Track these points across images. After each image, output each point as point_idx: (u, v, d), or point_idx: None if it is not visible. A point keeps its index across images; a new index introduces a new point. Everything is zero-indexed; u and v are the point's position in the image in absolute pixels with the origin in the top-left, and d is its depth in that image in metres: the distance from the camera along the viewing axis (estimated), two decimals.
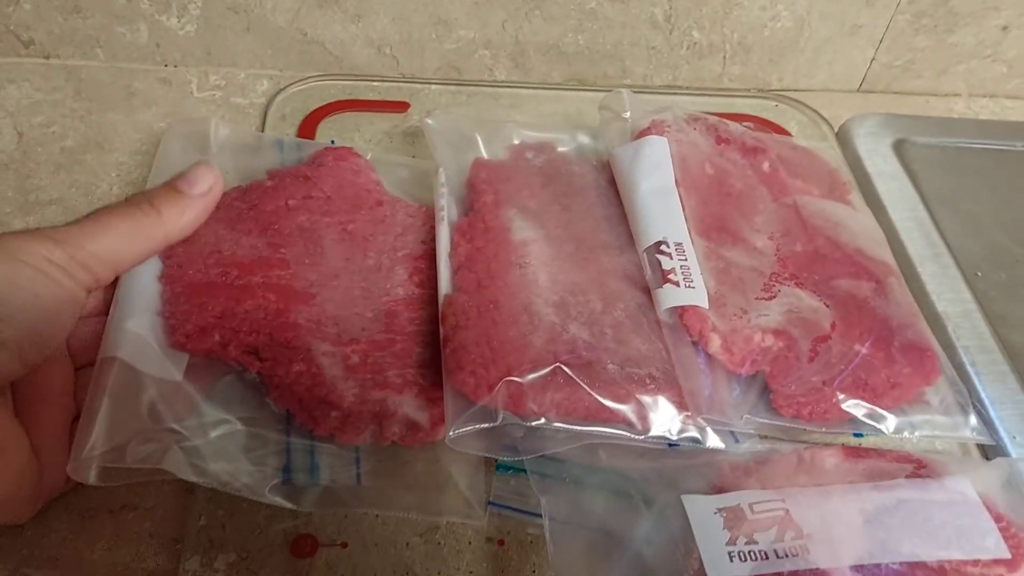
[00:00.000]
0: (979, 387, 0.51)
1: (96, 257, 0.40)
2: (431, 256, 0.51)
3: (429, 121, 0.56)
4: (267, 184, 0.52)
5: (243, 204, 0.50)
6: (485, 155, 0.57)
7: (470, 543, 0.43)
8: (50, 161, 0.59)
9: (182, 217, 0.44)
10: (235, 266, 0.46)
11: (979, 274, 0.58)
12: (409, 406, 0.43)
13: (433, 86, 0.69)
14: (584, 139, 0.61)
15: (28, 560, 0.40)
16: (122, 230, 0.41)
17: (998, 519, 0.40)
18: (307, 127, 0.63)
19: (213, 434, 0.41)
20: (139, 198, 0.43)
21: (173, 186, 0.44)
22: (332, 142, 0.59)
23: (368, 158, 0.57)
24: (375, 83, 0.68)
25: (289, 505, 0.41)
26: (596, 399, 0.42)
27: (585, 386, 0.42)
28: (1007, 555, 0.38)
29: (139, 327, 0.42)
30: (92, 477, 0.38)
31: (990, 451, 0.49)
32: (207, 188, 0.45)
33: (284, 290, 0.46)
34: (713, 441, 0.43)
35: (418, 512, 0.43)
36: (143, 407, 0.39)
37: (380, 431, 0.42)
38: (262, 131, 0.63)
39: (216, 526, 0.42)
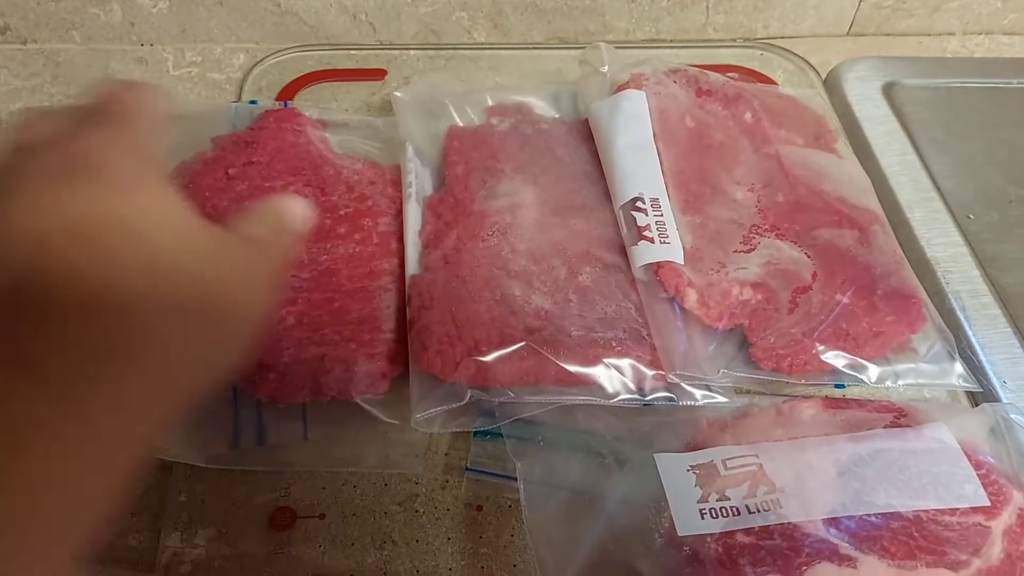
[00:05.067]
0: (969, 332, 0.50)
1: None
2: (376, 212, 0.50)
3: (398, 94, 0.56)
4: (208, 155, 0.52)
5: (183, 180, 0.49)
6: (459, 122, 0.56)
7: (448, 510, 0.43)
8: None
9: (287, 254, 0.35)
10: None
11: (971, 216, 0.57)
12: (346, 362, 0.42)
13: (411, 52, 0.68)
14: (562, 97, 0.60)
15: None
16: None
17: (978, 466, 0.39)
18: (284, 99, 0.62)
19: None
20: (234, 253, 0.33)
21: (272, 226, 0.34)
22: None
23: (315, 118, 0.56)
24: (352, 51, 0.68)
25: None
26: (562, 367, 0.41)
27: (550, 356, 0.41)
28: (986, 502, 0.37)
29: None
30: None
31: (980, 398, 0.48)
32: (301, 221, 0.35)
33: None
34: (687, 399, 0.43)
35: (356, 465, 0.43)
36: None
37: (318, 388, 0.42)
38: None
39: (195, 502, 0.42)
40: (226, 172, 0.50)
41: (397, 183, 0.52)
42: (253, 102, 0.59)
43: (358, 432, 0.43)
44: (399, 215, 0.50)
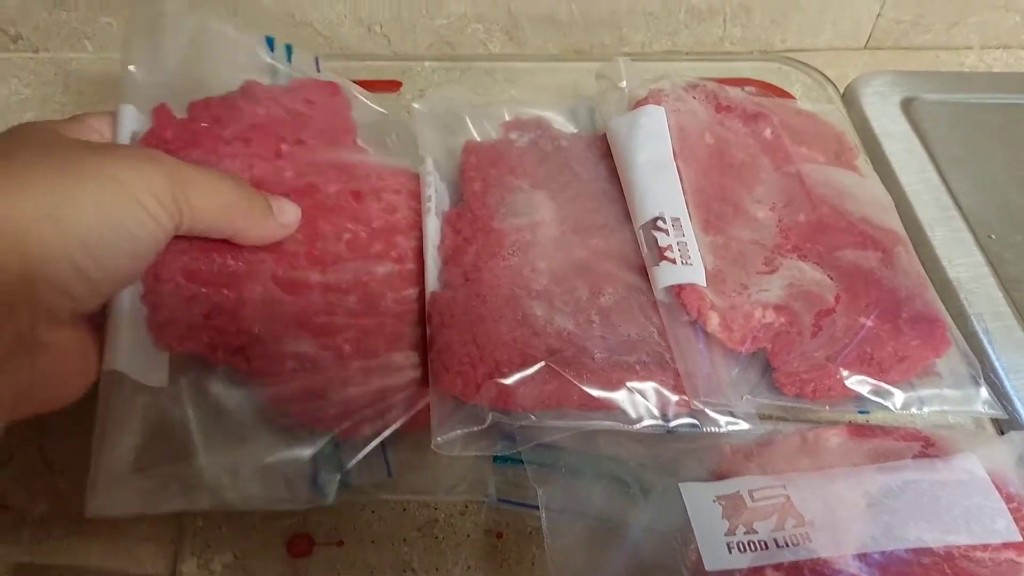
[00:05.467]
0: (993, 356, 0.50)
1: (189, 205, 0.37)
2: (406, 228, 0.49)
3: (416, 106, 0.55)
4: (256, 110, 0.48)
5: (227, 133, 0.46)
6: (476, 136, 0.55)
7: (468, 536, 0.42)
8: None
9: (262, 228, 0.42)
10: (217, 247, 0.42)
11: (992, 236, 0.56)
12: (408, 391, 0.42)
13: (426, 63, 0.67)
14: (580, 111, 0.59)
15: (26, 566, 0.40)
16: (221, 200, 0.40)
17: (1009, 499, 0.38)
18: None
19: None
20: (242, 182, 0.42)
21: (267, 201, 0.42)
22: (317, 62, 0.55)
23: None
24: (368, 63, 0.67)
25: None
26: (585, 391, 0.41)
27: (573, 379, 0.41)
28: (1018, 538, 0.37)
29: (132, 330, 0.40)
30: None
31: (1004, 424, 0.47)
32: (290, 223, 0.44)
33: (267, 278, 0.43)
34: (711, 425, 0.42)
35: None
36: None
37: (383, 421, 0.41)
38: None
39: (212, 527, 0.42)
40: (279, 147, 0.47)
41: (415, 193, 0.51)
42: (288, 46, 0.54)
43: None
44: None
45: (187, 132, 0.45)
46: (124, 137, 0.43)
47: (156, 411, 0.39)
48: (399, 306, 0.45)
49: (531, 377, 0.42)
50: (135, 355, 0.39)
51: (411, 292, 0.46)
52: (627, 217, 0.50)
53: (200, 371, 0.41)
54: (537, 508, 0.40)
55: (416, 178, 0.51)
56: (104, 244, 0.34)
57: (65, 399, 0.37)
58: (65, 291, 0.34)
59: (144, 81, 0.47)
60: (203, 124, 0.46)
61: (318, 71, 0.54)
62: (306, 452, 0.40)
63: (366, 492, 0.41)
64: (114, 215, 0.34)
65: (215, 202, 0.39)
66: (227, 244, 0.42)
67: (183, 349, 0.40)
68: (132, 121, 0.44)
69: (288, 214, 0.44)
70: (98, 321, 0.38)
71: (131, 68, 0.47)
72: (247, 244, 0.42)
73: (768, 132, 0.56)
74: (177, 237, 0.39)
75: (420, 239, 0.48)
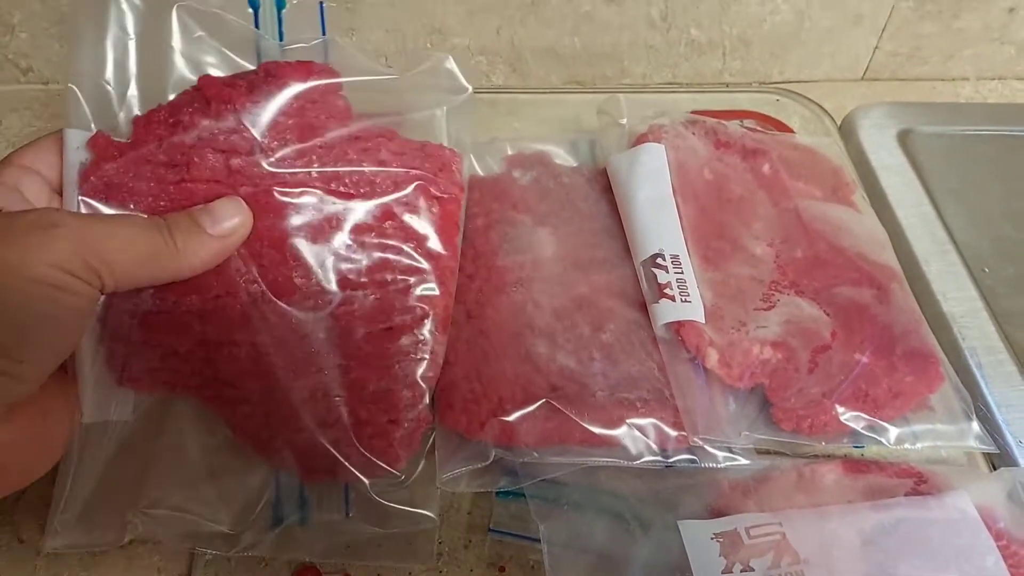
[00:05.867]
0: (985, 390, 0.50)
1: (107, 266, 0.34)
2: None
3: None
4: (202, 121, 0.40)
5: (169, 157, 0.40)
6: (479, 171, 0.56)
7: (472, 570, 0.43)
8: None
9: (197, 256, 0.38)
10: (171, 290, 0.39)
11: (986, 270, 0.57)
12: (361, 445, 0.40)
13: None
14: (581, 145, 0.61)
15: None
16: (139, 250, 0.36)
17: (998, 537, 0.39)
18: None
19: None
20: (158, 222, 0.37)
21: (194, 220, 0.38)
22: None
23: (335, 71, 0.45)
24: None
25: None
26: (587, 429, 0.42)
27: (574, 416, 0.42)
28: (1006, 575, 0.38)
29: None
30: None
31: (996, 458, 0.48)
32: (230, 230, 0.39)
33: (223, 319, 0.40)
34: (709, 461, 0.43)
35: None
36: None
37: (334, 472, 0.40)
38: None
39: (222, 559, 0.43)
40: (227, 164, 0.41)
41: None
42: (280, 3, 0.47)
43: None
44: None
45: (130, 164, 0.39)
46: (72, 168, 0.39)
47: (119, 443, 0.40)
48: (369, 346, 0.42)
49: (533, 414, 0.43)
50: (100, 396, 0.39)
51: (378, 329, 0.42)
52: (628, 252, 0.52)
53: (166, 403, 0.41)
54: (537, 540, 0.41)
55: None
56: (18, 332, 0.32)
57: (24, 482, 0.38)
58: None
59: (92, 92, 0.41)
60: (146, 148, 0.40)
61: (323, 32, 0.47)
62: (268, 483, 0.41)
63: (323, 529, 0.42)
64: (15, 301, 0.31)
65: (133, 254, 0.35)
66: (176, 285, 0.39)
67: (143, 389, 0.41)
68: (80, 149, 0.39)
69: (222, 218, 0.39)
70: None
71: (72, 85, 0.41)
72: (190, 274, 0.38)
73: (766, 168, 0.57)
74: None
75: None
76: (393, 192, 0.43)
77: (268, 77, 0.42)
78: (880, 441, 0.45)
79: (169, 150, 0.40)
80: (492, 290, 0.48)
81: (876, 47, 0.70)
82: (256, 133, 0.41)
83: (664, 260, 0.49)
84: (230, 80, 0.42)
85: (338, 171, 0.42)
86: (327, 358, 0.41)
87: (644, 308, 0.49)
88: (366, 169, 0.43)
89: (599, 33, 0.67)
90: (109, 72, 0.41)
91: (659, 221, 0.51)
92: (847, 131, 0.67)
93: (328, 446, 0.40)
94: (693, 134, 0.58)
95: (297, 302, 0.41)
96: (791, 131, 0.66)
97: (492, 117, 0.67)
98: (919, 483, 0.42)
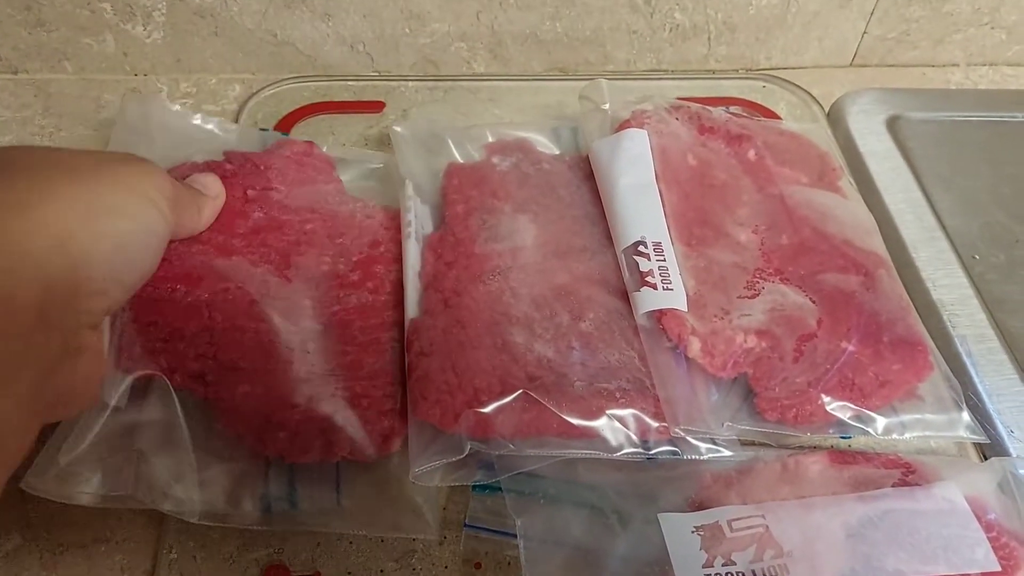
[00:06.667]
0: (976, 379, 0.49)
1: (175, 213, 0.40)
2: (387, 260, 0.49)
3: (397, 129, 0.55)
4: (226, 166, 0.50)
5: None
6: (459, 158, 0.55)
7: (447, 567, 0.42)
8: None
9: (205, 216, 0.46)
10: (183, 279, 0.43)
11: (976, 256, 0.56)
12: (357, 421, 0.41)
13: (410, 83, 0.67)
14: (563, 132, 0.59)
15: None
16: (187, 207, 0.43)
17: (988, 528, 0.38)
18: (282, 131, 0.62)
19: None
20: (192, 189, 0.45)
21: (197, 189, 0.46)
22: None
23: (330, 155, 0.55)
24: (350, 82, 0.67)
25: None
26: (565, 420, 0.40)
27: (552, 407, 0.41)
28: (996, 568, 0.37)
29: None
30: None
31: (987, 448, 0.47)
32: (219, 193, 0.47)
33: (231, 307, 0.43)
34: (691, 452, 0.42)
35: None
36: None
37: (329, 448, 0.41)
38: None
39: (187, 558, 0.41)
40: (245, 192, 0.49)
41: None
42: (264, 129, 0.60)
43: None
44: None
45: None
46: None
47: (111, 422, 0.39)
48: (364, 336, 0.45)
49: (510, 405, 0.41)
50: None
51: (378, 320, 0.46)
52: (608, 240, 0.50)
53: (159, 392, 0.41)
54: (514, 535, 0.40)
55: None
56: (133, 245, 0.37)
57: (93, 401, 0.38)
58: (103, 293, 0.35)
59: None
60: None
61: None
62: (256, 470, 0.41)
63: (313, 517, 0.41)
64: (138, 216, 0.37)
65: (189, 209, 0.44)
66: (191, 258, 0.44)
67: (142, 371, 0.41)
68: None
69: (212, 186, 0.47)
70: None
71: None
72: (190, 232, 0.45)
73: (751, 153, 0.56)
74: None
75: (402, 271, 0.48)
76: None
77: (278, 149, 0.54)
78: (867, 431, 0.44)
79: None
80: (470, 278, 0.47)
81: (864, 31, 0.69)
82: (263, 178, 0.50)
83: (646, 247, 0.48)
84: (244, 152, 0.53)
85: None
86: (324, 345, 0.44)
87: (625, 296, 0.47)
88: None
89: (581, 17, 0.65)
90: None
91: (641, 208, 0.50)
92: (835, 117, 0.66)
93: (325, 418, 0.41)
94: (677, 119, 0.57)
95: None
96: (778, 118, 0.65)
97: (472, 104, 0.66)
98: (907, 474, 0.41)
